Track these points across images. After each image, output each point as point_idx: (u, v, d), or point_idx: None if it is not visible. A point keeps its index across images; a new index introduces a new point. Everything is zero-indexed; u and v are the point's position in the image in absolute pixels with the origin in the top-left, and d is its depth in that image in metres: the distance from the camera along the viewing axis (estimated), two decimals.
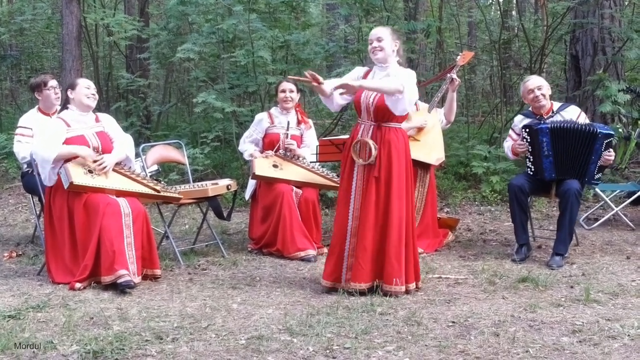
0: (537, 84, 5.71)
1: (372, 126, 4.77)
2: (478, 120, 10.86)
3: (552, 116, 5.70)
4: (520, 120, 5.87)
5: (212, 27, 8.28)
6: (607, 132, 5.56)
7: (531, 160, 5.68)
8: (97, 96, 5.28)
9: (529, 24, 10.93)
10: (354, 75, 4.91)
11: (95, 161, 5.06)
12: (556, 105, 5.82)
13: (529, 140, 5.64)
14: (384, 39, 4.77)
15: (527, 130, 5.64)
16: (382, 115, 4.73)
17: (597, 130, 5.50)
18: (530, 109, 5.88)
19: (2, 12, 12.59)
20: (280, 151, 6.18)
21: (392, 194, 4.71)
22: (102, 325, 4.12)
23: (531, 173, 5.71)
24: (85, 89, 5.19)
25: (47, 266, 5.14)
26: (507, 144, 5.94)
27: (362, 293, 4.68)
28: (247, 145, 6.34)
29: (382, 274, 4.73)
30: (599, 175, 5.66)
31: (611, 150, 5.61)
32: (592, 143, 5.50)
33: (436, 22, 9.20)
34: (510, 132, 6.01)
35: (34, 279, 5.22)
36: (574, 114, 5.71)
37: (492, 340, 3.86)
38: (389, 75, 4.73)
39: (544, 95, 5.69)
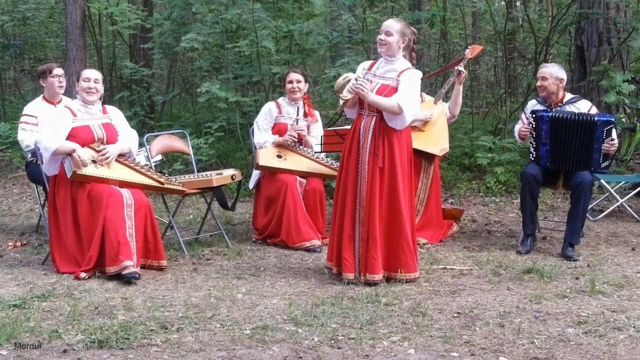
0: (542, 74, 5.75)
1: (375, 117, 4.76)
2: (482, 111, 10.85)
3: (560, 107, 5.71)
4: (532, 105, 5.90)
5: (215, 16, 8.25)
6: (605, 119, 5.58)
7: (534, 145, 5.72)
8: (98, 90, 5.17)
9: (534, 15, 10.88)
10: (360, 73, 4.88)
11: (98, 151, 5.05)
12: (567, 96, 5.83)
13: (534, 125, 5.67)
14: (393, 34, 4.75)
15: (533, 115, 5.68)
16: None
17: (594, 119, 5.52)
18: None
19: (6, 1, 12.55)
20: (290, 132, 6.10)
21: (398, 185, 4.72)
22: (107, 314, 4.13)
23: (532, 158, 5.74)
24: (84, 83, 5.13)
25: (52, 256, 5.13)
26: (517, 127, 5.98)
27: (374, 284, 4.68)
28: (265, 135, 6.17)
29: (398, 264, 4.77)
30: (605, 163, 5.66)
31: (614, 137, 5.61)
32: (592, 131, 5.52)
33: (440, 12, 9.17)
34: (522, 115, 6.06)
35: (38, 268, 5.23)
36: (584, 108, 5.72)
37: (497, 331, 3.86)
38: (396, 70, 4.73)
39: (545, 86, 5.70)
